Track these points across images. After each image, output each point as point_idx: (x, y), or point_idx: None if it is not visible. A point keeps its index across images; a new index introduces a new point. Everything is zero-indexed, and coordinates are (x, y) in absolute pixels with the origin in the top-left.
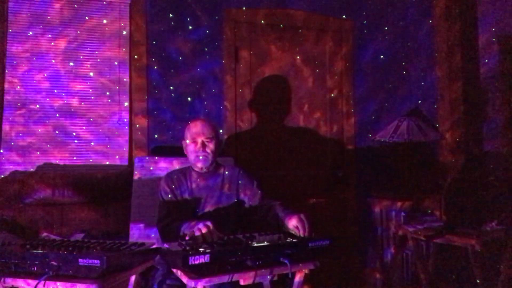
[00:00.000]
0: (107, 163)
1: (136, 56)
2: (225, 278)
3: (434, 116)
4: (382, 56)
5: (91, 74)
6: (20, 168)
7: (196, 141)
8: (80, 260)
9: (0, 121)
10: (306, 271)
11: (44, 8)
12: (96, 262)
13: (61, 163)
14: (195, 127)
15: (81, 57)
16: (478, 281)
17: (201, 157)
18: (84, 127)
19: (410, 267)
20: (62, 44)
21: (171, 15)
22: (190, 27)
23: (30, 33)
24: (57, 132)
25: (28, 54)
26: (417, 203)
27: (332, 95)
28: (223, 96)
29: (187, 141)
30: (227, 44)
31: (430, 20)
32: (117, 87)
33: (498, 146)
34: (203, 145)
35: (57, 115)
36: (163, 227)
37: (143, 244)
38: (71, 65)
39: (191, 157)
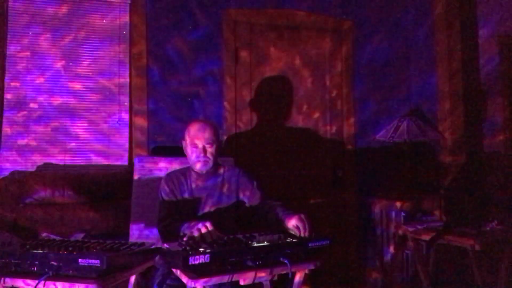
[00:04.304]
0: (107, 163)
1: (135, 56)
2: (225, 278)
3: (434, 116)
4: (382, 56)
5: (91, 74)
6: (20, 168)
7: (197, 145)
8: (80, 260)
9: (0, 120)
10: (306, 271)
11: (44, 8)
12: (96, 262)
13: (61, 163)
14: (196, 131)
15: (81, 57)
16: (478, 281)
17: (201, 162)
18: (84, 127)
19: (410, 267)
20: (62, 44)
21: (171, 15)
22: (190, 27)
23: (30, 33)
24: (57, 132)
25: (28, 54)
26: (417, 203)
27: (332, 95)
28: (222, 96)
29: (187, 142)
30: (227, 44)
31: (430, 20)
32: (117, 87)
33: (498, 146)
34: (204, 150)
35: (57, 115)
36: (163, 228)
37: (143, 244)
38: (70, 65)
39: (192, 160)
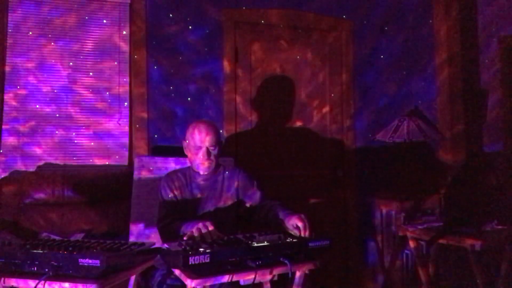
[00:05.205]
0: (107, 163)
1: (136, 56)
2: (225, 278)
3: (434, 116)
4: (382, 56)
5: (91, 73)
6: (20, 168)
7: (200, 148)
8: (80, 260)
9: (0, 121)
10: (306, 271)
11: (44, 9)
12: (96, 262)
13: (61, 163)
14: (199, 133)
15: (81, 56)
16: (478, 281)
17: (205, 164)
18: (84, 127)
19: (410, 267)
20: (62, 43)
21: (171, 15)
22: (190, 27)
23: (30, 33)
24: (57, 132)
25: (28, 53)
26: (417, 203)
27: (332, 95)
28: (223, 96)
29: (189, 143)
30: (227, 44)
31: (430, 20)
32: (117, 87)
33: (498, 146)
34: (208, 152)
35: (57, 115)
36: (163, 227)
37: (143, 244)
38: (70, 65)
39: (194, 161)
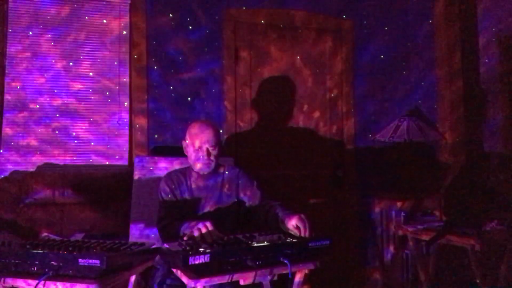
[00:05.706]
0: (107, 163)
1: (136, 56)
2: (225, 278)
3: (434, 116)
4: (382, 56)
5: (91, 74)
6: (20, 168)
7: (200, 148)
8: (80, 260)
9: (0, 121)
10: (306, 271)
11: (44, 8)
12: (96, 262)
13: (61, 163)
14: (199, 133)
15: (81, 57)
16: (478, 281)
17: (205, 164)
18: (84, 127)
19: (410, 267)
20: (62, 44)
21: (171, 15)
22: (190, 27)
23: (30, 33)
24: (57, 132)
25: (28, 54)
26: (417, 203)
27: (332, 95)
28: (223, 96)
29: (189, 143)
30: (227, 44)
31: (430, 20)
32: (117, 87)
33: (498, 146)
34: (208, 152)
35: (57, 115)
36: (163, 227)
37: (143, 244)
38: (71, 65)
39: (194, 161)
